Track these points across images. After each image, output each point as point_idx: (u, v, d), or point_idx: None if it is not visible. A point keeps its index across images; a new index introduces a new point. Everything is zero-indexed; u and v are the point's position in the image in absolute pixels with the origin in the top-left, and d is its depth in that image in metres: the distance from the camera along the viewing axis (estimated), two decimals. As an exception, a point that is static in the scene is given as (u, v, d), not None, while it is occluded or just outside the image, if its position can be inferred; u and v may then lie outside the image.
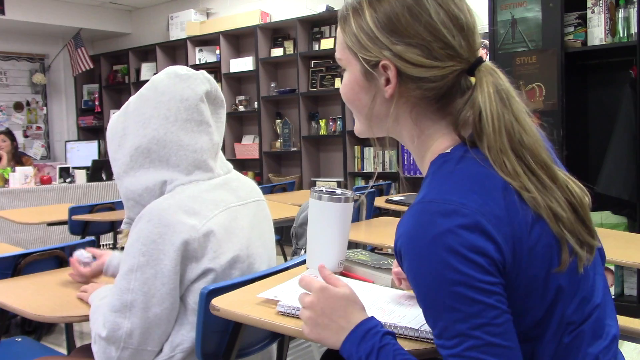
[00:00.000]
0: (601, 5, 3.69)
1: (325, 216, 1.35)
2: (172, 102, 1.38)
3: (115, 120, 1.45)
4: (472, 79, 0.91)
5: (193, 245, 1.30)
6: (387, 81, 0.91)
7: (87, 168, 5.65)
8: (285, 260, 3.93)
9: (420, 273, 0.81)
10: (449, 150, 0.90)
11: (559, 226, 0.84)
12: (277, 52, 5.84)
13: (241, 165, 6.33)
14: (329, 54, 5.53)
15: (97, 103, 7.52)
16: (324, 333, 0.94)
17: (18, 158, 5.84)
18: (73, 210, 3.40)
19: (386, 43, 0.89)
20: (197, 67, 6.34)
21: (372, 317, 0.93)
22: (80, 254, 1.64)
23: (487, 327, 0.78)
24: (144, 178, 1.38)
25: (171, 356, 1.32)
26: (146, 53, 7.18)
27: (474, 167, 0.86)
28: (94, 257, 1.65)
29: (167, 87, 1.39)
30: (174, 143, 1.37)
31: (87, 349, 1.68)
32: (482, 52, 3.98)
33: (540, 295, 0.83)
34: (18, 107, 7.44)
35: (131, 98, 1.45)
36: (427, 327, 0.99)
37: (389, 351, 0.88)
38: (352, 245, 2.26)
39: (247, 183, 1.53)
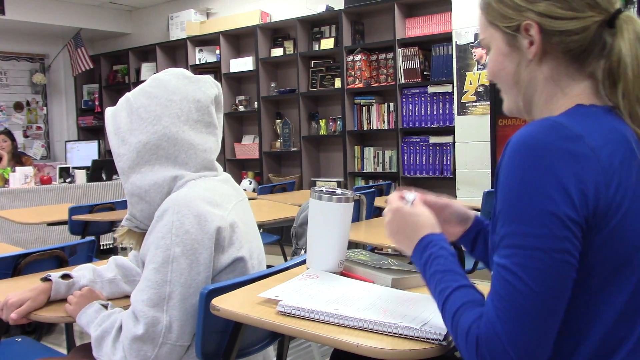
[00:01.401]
0: (601, 5, 3.69)
1: (325, 216, 1.35)
2: (183, 102, 1.41)
3: (116, 115, 1.45)
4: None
5: (223, 234, 1.34)
6: (530, 44, 0.95)
7: (87, 168, 5.65)
8: (285, 260, 3.94)
9: (517, 173, 0.84)
10: (587, 105, 0.93)
11: None
12: (277, 52, 5.84)
13: (241, 165, 6.33)
14: (329, 54, 5.53)
15: (97, 103, 7.53)
16: (402, 246, 1.07)
17: (18, 158, 5.85)
18: (73, 210, 3.40)
19: (525, 5, 0.94)
20: (197, 67, 6.36)
21: (432, 233, 1.02)
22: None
23: (543, 253, 0.81)
24: (151, 174, 1.38)
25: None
26: (146, 53, 7.18)
27: (606, 116, 0.90)
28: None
29: (178, 88, 1.42)
30: (185, 141, 1.39)
31: (86, 348, 1.67)
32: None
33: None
34: (18, 107, 7.44)
35: (131, 94, 1.46)
36: (427, 327, 1.00)
37: (438, 263, 0.96)
38: (352, 245, 2.26)
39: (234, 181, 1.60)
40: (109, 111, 1.47)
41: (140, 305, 1.28)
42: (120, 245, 1.70)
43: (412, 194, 1.13)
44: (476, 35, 4.26)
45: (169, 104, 1.40)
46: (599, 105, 0.93)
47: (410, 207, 1.08)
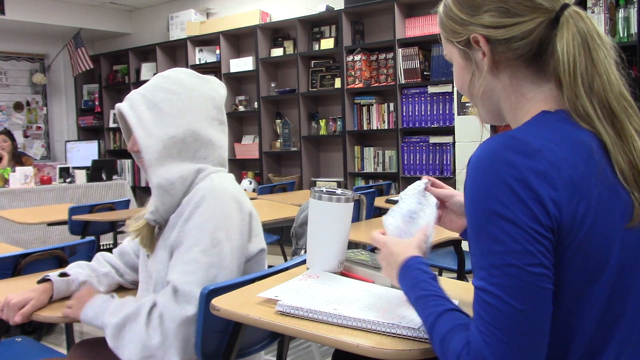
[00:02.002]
0: (601, 5, 3.69)
1: (325, 216, 1.35)
2: (201, 99, 1.45)
3: (134, 108, 1.43)
4: None
5: (252, 222, 1.42)
6: (484, 55, 0.95)
7: (87, 168, 5.66)
8: (285, 260, 3.94)
9: (479, 194, 0.83)
10: (552, 111, 0.92)
11: (623, 178, 0.86)
12: (277, 52, 5.84)
13: (241, 165, 6.33)
14: (329, 54, 5.53)
15: (97, 103, 7.52)
16: (391, 278, 1.08)
17: (18, 158, 5.85)
18: (73, 210, 3.40)
19: (468, 19, 0.95)
20: (197, 67, 6.36)
21: (409, 258, 1.03)
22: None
23: (519, 269, 0.79)
24: (177, 167, 1.41)
25: None
26: (146, 53, 7.18)
27: (569, 123, 0.89)
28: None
29: (194, 85, 1.46)
30: (205, 137, 1.43)
31: (86, 345, 1.68)
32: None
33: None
34: (18, 107, 7.44)
35: (144, 90, 1.45)
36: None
37: (421, 285, 0.97)
38: (352, 245, 2.26)
39: None
40: (124, 107, 1.44)
41: (190, 287, 1.30)
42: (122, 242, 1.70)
43: (422, 181, 1.18)
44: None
45: (189, 100, 1.43)
46: (565, 110, 0.91)
47: (400, 238, 1.11)
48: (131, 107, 1.43)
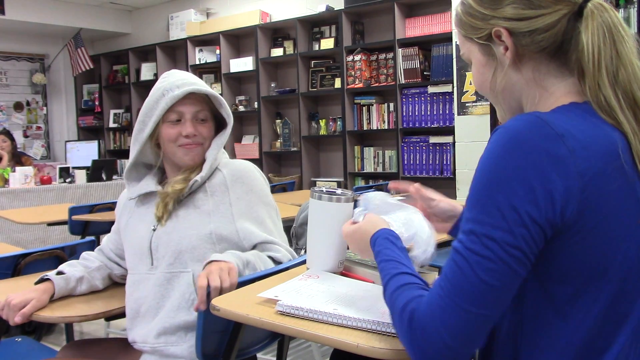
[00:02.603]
0: (601, 5, 3.68)
1: (325, 216, 1.34)
2: None
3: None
4: None
5: None
6: (506, 49, 0.94)
7: (87, 168, 5.65)
8: (285, 260, 3.92)
9: (491, 163, 0.83)
10: (580, 102, 0.91)
11: None
12: (277, 52, 5.84)
13: (241, 165, 6.32)
14: (329, 54, 5.53)
15: (97, 103, 7.52)
16: (365, 254, 1.15)
17: (18, 158, 5.84)
18: (73, 210, 3.40)
19: (490, 13, 0.94)
20: (197, 67, 6.36)
21: (376, 231, 1.09)
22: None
23: (496, 244, 0.80)
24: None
25: None
26: (146, 53, 7.17)
27: (593, 115, 0.88)
28: None
29: None
30: None
31: (76, 346, 1.68)
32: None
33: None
34: (18, 107, 7.44)
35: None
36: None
37: (385, 252, 1.02)
38: (352, 245, 2.26)
39: None
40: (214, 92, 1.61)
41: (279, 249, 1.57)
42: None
43: (360, 213, 1.21)
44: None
45: None
46: (589, 103, 0.91)
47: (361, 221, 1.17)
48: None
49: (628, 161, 0.86)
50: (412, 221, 1.19)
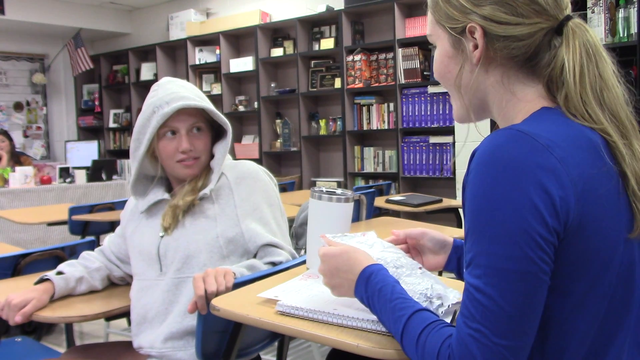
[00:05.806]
0: (601, 5, 3.69)
1: (325, 216, 1.34)
2: None
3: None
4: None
5: None
6: (475, 47, 0.93)
7: (87, 168, 5.66)
8: (285, 260, 3.92)
9: (485, 190, 0.80)
10: (552, 107, 0.90)
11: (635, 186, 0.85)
12: (277, 52, 5.83)
13: (241, 165, 6.32)
14: (329, 54, 5.53)
15: (97, 103, 7.52)
16: (342, 291, 1.03)
17: (17, 158, 5.84)
18: (73, 210, 3.40)
19: (470, 7, 0.92)
20: (197, 67, 6.36)
21: (372, 264, 0.99)
22: None
23: (516, 274, 0.78)
24: None
25: None
26: (146, 53, 7.17)
27: (568, 119, 0.87)
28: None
29: None
30: None
31: (81, 350, 1.68)
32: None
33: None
34: (18, 107, 7.43)
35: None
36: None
37: (387, 291, 0.94)
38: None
39: None
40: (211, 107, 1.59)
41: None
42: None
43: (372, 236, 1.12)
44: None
45: None
46: (560, 107, 0.89)
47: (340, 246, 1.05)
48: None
49: (612, 168, 0.85)
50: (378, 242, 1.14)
